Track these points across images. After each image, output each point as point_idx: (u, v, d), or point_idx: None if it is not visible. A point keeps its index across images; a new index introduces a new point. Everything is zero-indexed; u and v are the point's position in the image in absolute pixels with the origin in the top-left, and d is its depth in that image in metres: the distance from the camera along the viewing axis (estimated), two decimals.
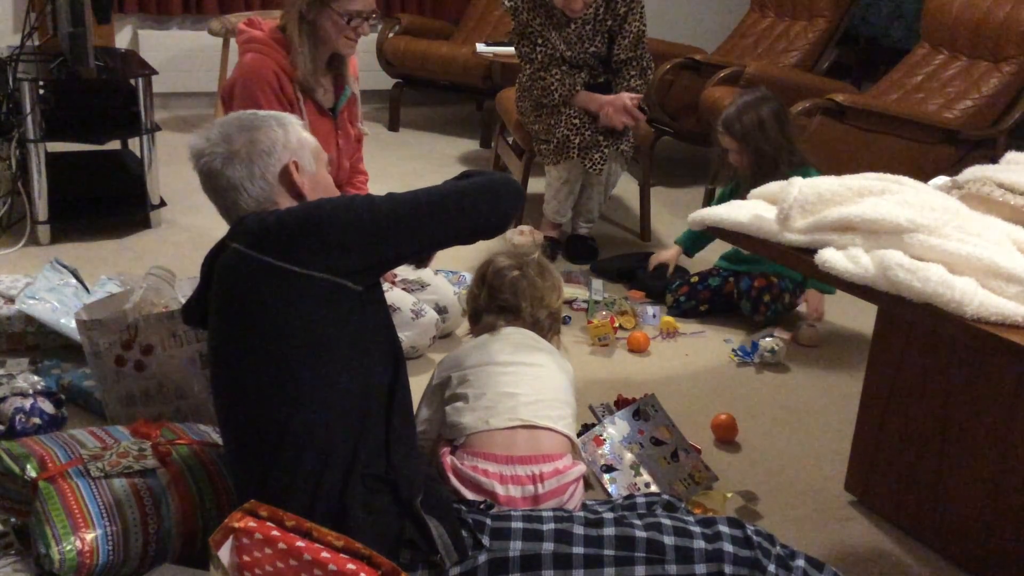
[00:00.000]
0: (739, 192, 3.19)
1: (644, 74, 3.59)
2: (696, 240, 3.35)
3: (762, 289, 3.13)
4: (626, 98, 3.44)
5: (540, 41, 3.48)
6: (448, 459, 1.78)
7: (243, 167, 1.66)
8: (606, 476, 2.21)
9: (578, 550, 1.51)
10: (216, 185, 1.68)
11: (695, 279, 3.26)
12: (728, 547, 1.52)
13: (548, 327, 2.07)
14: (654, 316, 3.18)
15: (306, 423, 1.52)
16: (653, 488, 2.17)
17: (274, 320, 1.54)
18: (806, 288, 3.21)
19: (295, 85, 2.61)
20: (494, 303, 2.04)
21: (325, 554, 1.35)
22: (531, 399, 1.84)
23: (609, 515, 1.58)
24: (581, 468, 1.83)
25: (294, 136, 1.72)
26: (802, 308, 3.27)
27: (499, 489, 1.73)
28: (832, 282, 1.71)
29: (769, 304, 3.13)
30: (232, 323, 1.61)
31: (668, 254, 3.39)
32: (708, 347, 3.06)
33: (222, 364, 1.64)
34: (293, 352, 1.54)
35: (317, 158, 1.76)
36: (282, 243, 1.55)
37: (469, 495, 1.73)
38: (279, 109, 2.54)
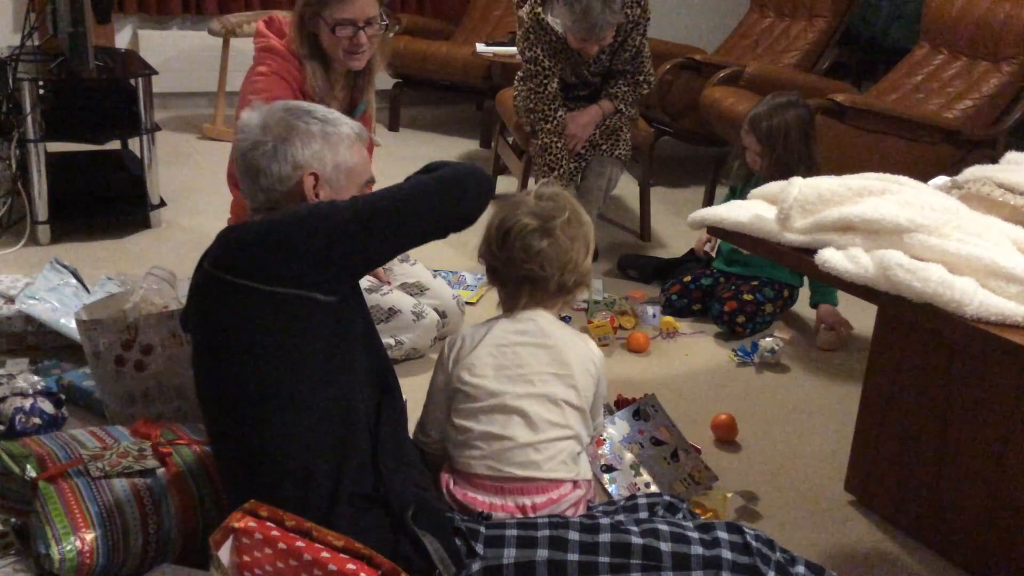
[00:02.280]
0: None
1: (637, 86, 3.60)
2: None
3: (733, 312, 3.10)
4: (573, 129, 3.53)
5: (548, 79, 3.50)
6: (445, 476, 1.74)
7: (264, 159, 1.65)
8: (606, 476, 2.21)
9: (573, 557, 1.49)
10: (243, 165, 1.69)
11: (688, 278, 3.27)
12: (726, 554, 1.51)
13: (568, 292, 1.83)
14: (654, 316, 3.18)
15: (284, 446, 1.50)
16: (653, 488, 2.17)
17: (243, 340, 1.52)
18: (808, 290, 3.21)
19: (310, 99, 2.52)
20: (516, 271, 1.77)
21: (325, 554, 1.35)
22: (523, 441, 1.68)
23: (605, 521, 1.56)
24: (579, 493, 1.74)
25: (330, 150, 1.69)
26: (800, 311, 3.27)
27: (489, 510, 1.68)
28: (832, 282, 1.71)
29: (745, 324, 3.10)
30: (205, 342, 1.60)
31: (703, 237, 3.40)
32: (708, 347, 3.06)
33: (200, 383, 1.63)
34: (265, 372, 1.51)
35: (350, 178, 1.72)
36: (245, 261, 1.52)
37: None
38: None
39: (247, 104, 2.42)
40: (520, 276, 1.76)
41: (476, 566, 1.48)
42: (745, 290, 3.14)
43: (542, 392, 1.71)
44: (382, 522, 1.49)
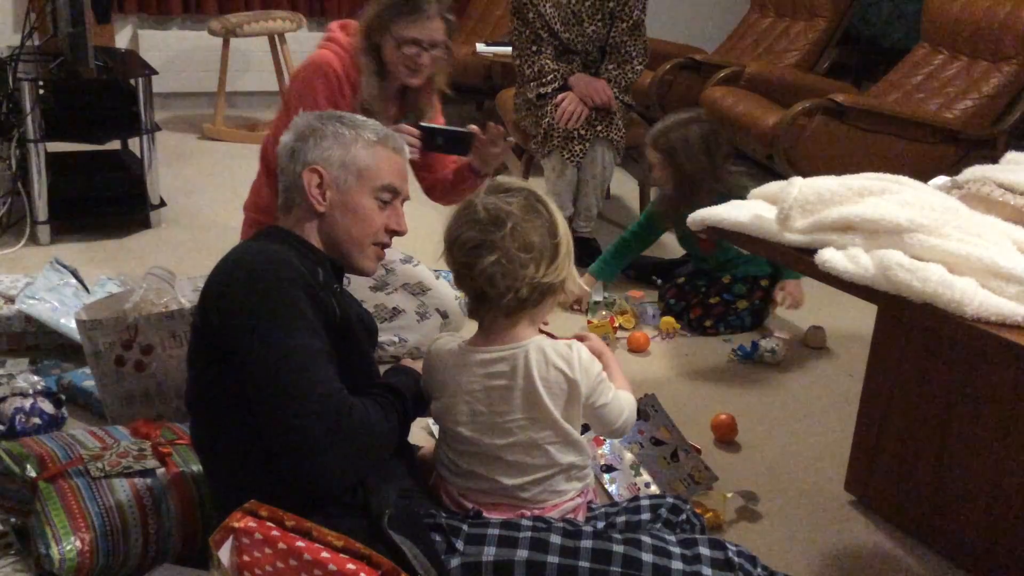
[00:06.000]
0: (655, 216, 3.23)
1: (627, 63, 3.58)
2: (607, 266, 3.30)
3: (699, 318, 3.14)
4: (604, 92, 3.47)
5: (532, 16, 3.49)
6: (448, 487, 1.70)
7: (284, 159, 1.68)
8: (606, 476, 2.21)
9: (552, 559, 1.47)
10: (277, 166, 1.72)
11: (682, 280, 3.27)
12: (706, 571, 1.49)
13: (534, 303, 1.56)
14: (654, 316, 3.18)
15: (254, 466, 1.50)
16: (653, 488, 2.17)
17: (207, 363, 1.54)
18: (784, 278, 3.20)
19: (356, 100, 2.53)
20: (466, 285, 1.59)
21: (325, 554, 1.35)
22: (509, 484, 1.60)
23: (588, 528, 1.55)
24: (578, 501, 1.69)
25: (340, 149, 1.66)
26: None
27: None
28: (832, 282, 1.70)
29: (715, 325, 3.13)
30: (192, 346, 1.61)
31: (584, 289, 3.20)
32: (708, 347, 3.06)
33: (188, 385, 1.64)
34: (226, 389, 1.51)
35: (361, 179, 1.66)
36: (205, 302, 1.53)
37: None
38: (330, 104, 2.47)
39: (300, 84, 2.52)
40: (472, 290, 1.58)
41: (455, 562, 1.48)
42: (712, 292, 3.15)
43: (521, 440, 1.59)
44: (358, 527, 1.48)
